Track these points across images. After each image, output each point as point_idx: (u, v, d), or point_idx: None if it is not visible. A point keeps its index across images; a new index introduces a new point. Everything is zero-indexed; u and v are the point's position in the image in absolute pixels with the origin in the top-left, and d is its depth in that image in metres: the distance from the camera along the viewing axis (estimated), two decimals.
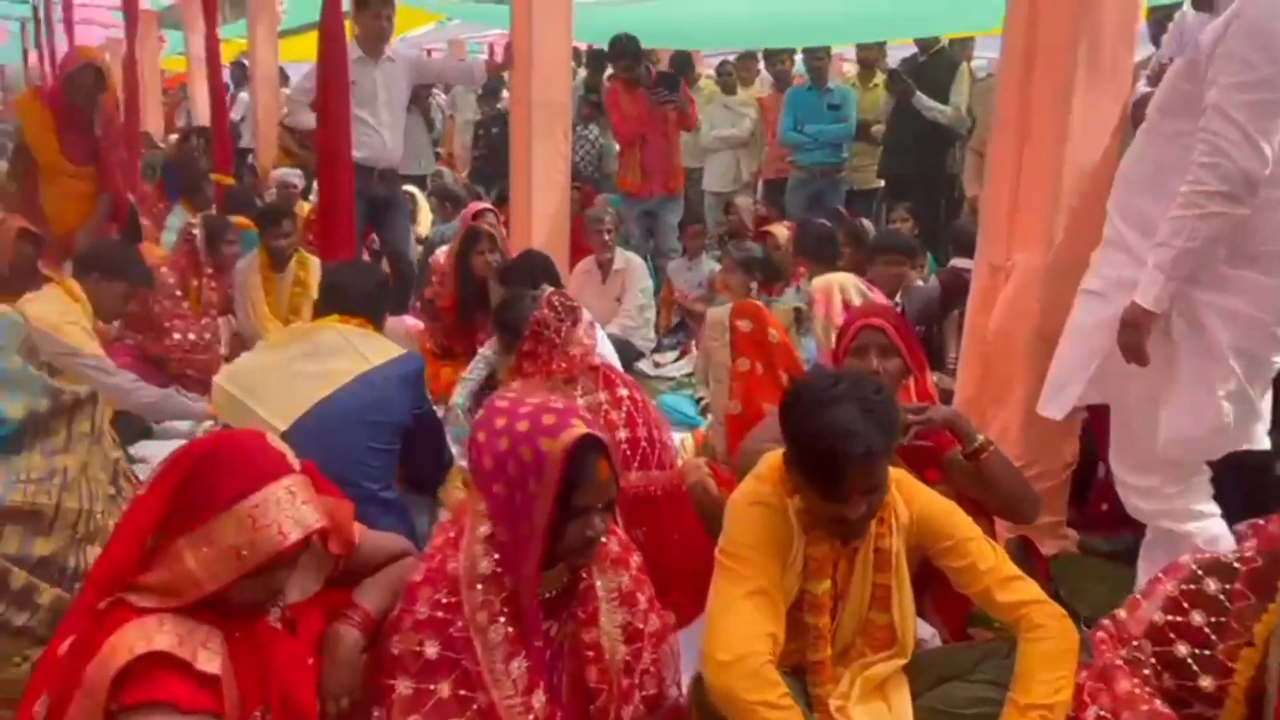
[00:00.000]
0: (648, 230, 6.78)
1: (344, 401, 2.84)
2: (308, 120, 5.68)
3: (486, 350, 4.34)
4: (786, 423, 2.05)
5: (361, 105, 5.33)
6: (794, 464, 2.05)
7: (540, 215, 5.71)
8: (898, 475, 2.13)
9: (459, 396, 4.31)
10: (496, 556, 1.82)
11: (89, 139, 5.38)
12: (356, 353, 2.93)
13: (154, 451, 3.90)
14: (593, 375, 2.86)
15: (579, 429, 1.81)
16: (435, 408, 3.25)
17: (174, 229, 6.80)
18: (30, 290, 4.67)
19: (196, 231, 5.09)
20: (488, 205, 5.53)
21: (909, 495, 2.15)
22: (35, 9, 14.27)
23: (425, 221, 7.59)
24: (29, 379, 2.27)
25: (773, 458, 2.16)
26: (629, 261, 5.82)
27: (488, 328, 4.74)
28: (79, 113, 5.31)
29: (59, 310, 3.52)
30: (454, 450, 3.34)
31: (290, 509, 1.69)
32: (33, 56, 15.54)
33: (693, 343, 5.71)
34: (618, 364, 3.52)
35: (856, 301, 3.79)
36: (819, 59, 7.27)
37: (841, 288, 3.84)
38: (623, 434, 2.73)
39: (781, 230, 6.02)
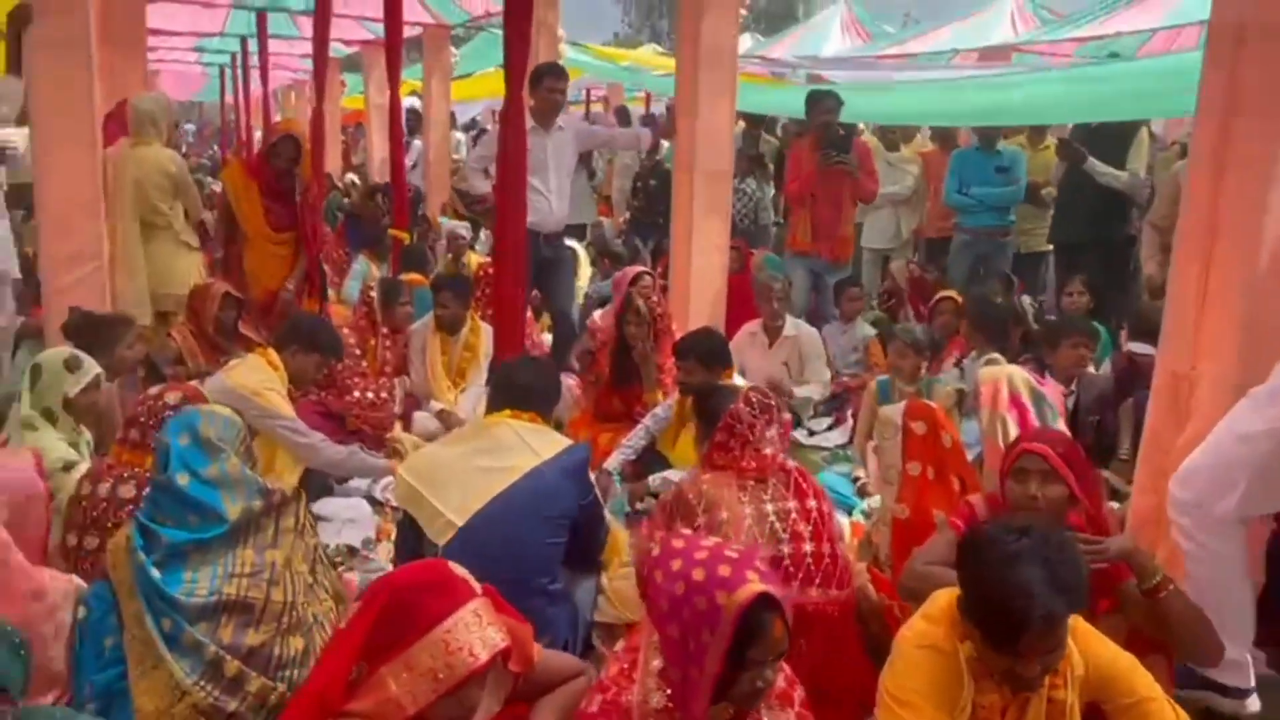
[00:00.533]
0: (810, 289, 6.77)
1: (517, 497, 2.93)
2: (481, 186, 5.99)
3: (649, 421, 4.45)
4: (964, 570, 2.04)
5: (533, 173, 5.53)
6: (968, 614, 2.03)
7: (700, 279, 5.83)
8: (1075, 624, 2.08)
9: (614, 462, 4.44)
10: (668, 691, 1.89)
11: (290, 208, 5.82)
12: (528, 449, 3.03)
13: (335, 510, 4.15)
14: (784, 478, 2.89)
15: (755, 585, 1.86)
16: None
17: (358, 277, 7.26)
18: (231, 347, 5.14)
19: (374, 294, 5.42)
20: (644, 269, 5.65)
21: (1086, 647, 2.10)
22: (234, 56, 15.51)
23: (585, 276, 7.79)
24: (246, 480, 2.48)
25: (944, 598, 2.15)
26: (799, 329, 5.83)
27: (644, 395, 4.90)
28: (281, 182, 5.73)
29: (260, 378, 3.85)
30: (610, 521, 3.44)
31: (478, 631, 1.82)
32: (229, 98, 16.97)
33: (849, 411, 5.69)
34: None
35: (1025, 396, 3.70)
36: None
37: (1010, 382, 3.75)
38: (808, 547, 2.76)
39: (958, 299, 5.94)
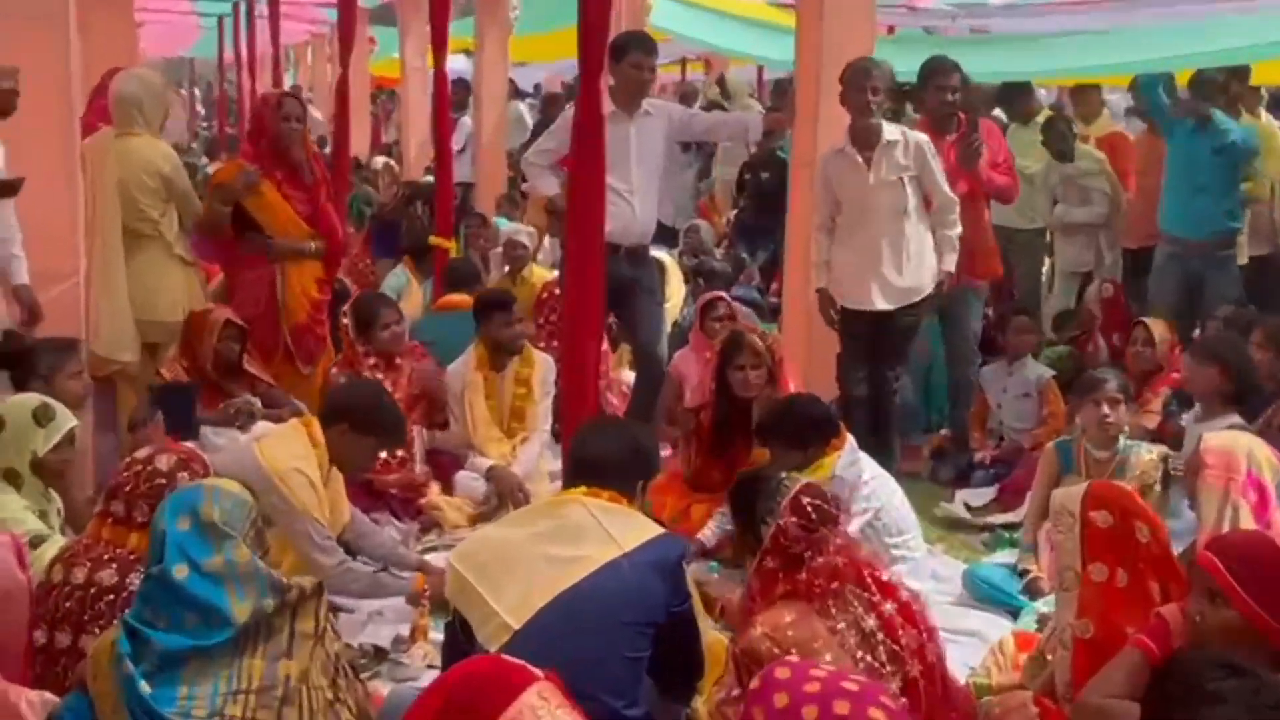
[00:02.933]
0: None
1: (589, 597, 2.99)
2: (548, 186, 6.07)
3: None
4: (1151, 705, 2.04)
5: (611, 169, 5.58)
6: None
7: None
8: None
9: (710, 534, 4.48)
10: None
11: (310, 196, 5.91)
12: (606, 536, 3.08)
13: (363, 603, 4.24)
14: (861, 589, 2.96)
15: None
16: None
17: (393, 290, 7.44)
18: (235, 389, 5.30)
19: (346, 321, 5.50)
20: (719, 295, 5.69)
21: None
22: (236, 6, 15.98)
23: (676, 297, 7.86)
24: (257, 573, 2.58)
25: None
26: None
27: (752, 458, 4.92)
28: (296, 157, 5.84)
29: (291, 455, 3.90)
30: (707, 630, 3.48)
31: (546, 714, 2.01)
32: (228, 55, 17.39)
33: (1015, 474, 5.64)
34: None
35: (1269, 480, 3.62)
36: (1214, 84, 6.94)
37: (1250, 456, 3.68)
38: (914, 668, 2.82)
39: (1160, 328, 5.86)
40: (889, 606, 2.99)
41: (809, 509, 3.08)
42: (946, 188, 5.61)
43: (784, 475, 3.27)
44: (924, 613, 3.00)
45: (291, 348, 5.78)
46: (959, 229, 5.65)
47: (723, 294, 5.75)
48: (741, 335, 4.99)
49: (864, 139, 5.52)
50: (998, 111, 8.40)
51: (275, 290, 5.77)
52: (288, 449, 3.91)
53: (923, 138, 5.63)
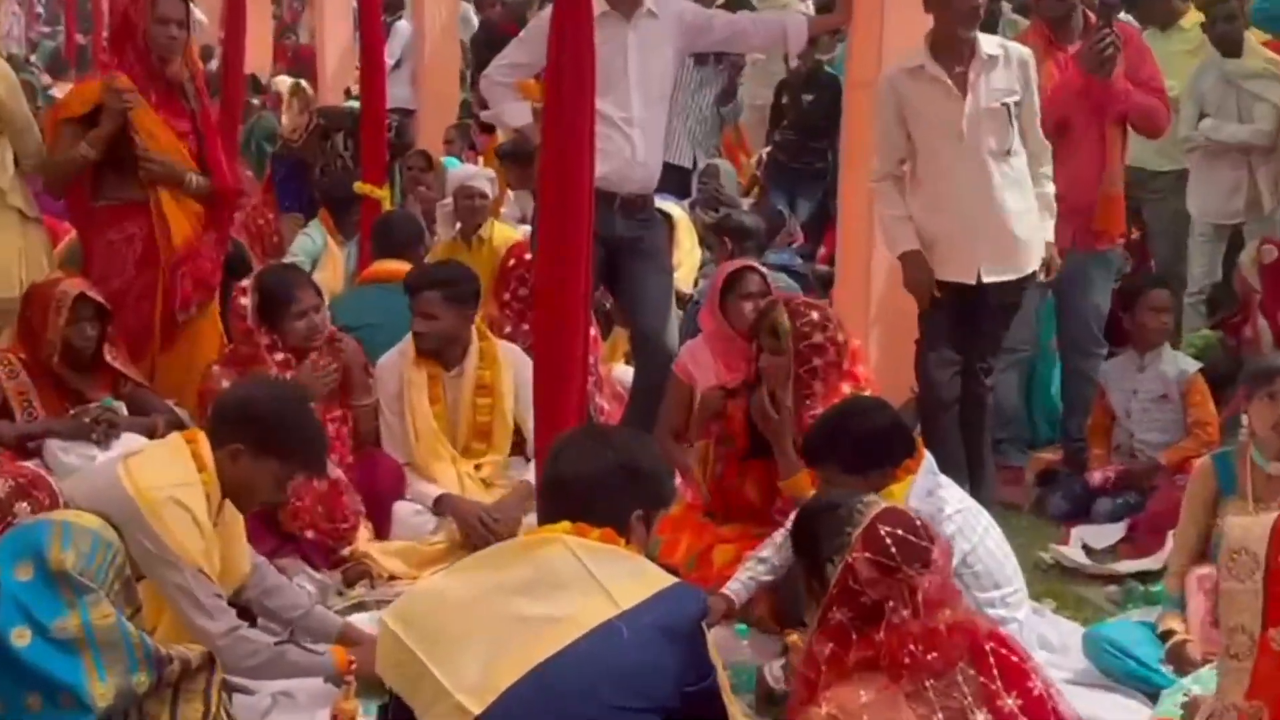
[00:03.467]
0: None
1: (575, 671, 2.96)
2: (516, 115, 6.08)
3: (783, 536, 4.49)
4: None
5: (604, 91, 5.59)
6: None
7: (884, 262, 5.96)
8: None
9: (740, 587, 4.48)
10: None
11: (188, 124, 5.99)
12: (597, 588, 3.06)
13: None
14: (977, 669, 2.98)
15: None
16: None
17: (305, 257, 7.42)
18: (91, 390, 5.29)
19: (245, 301, 5.48)
20: (749, 263, 5.67)
21: None
22: None
23: (688, 262, 7.86)
24: (124, 642, 2.57)
25: None
26: None
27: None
28: (171, 73, 5.90)
29: (167, 480, 3.82)
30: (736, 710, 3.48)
31: None
32: None
33: (1151, 504, 5.65)
34: None
35: None
36: None
37: None
38: None
39: None
40: (1012, 702, 2.96)
41: (887, 541, 3.07)
42: (1040, 130, 5.63)
43: (859, 500, 3.27)
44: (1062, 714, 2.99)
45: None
46: (1053, 186, 5.67)
47: (753, 262, 5.71)
48: (776, 318, 4.99)
49: (954, 51, 5.51)
50: (1126, 16, 8.39)
51: (149, 254, 5.80)
52: (163, 472, 3.85)
53: (1026, 52, 5.63)
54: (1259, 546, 3.14)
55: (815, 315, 5.00)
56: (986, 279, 5.54)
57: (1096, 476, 6.01)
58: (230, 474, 3.93)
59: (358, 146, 8.06)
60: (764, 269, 5.65)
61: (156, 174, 5.87)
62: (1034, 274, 5.67)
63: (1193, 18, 8.13)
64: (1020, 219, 5.55)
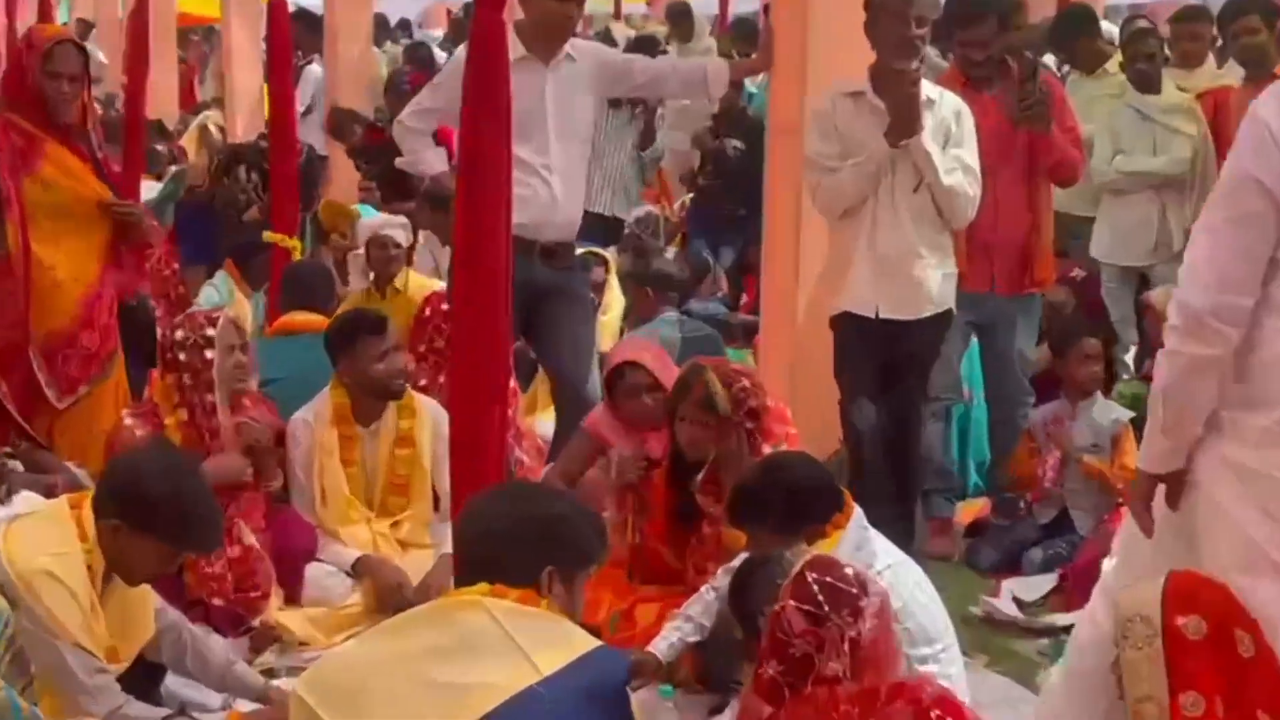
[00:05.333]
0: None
1: None
2: (432, 162, 6.11)
3: (724, 580, 4.46)
4: None
5: (523, 137, 5.63)
6: None
7: (810, 310, 5.99)
8: None
9: (664, 647, 4.44)
10: None
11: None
12: (517, 653, 3.05)
13: None
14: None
15: None
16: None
17: (211, 308, 7.31)
18: None
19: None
20: (632, 358, 5.55)
21: None
22: None
23: (614, 315, 7.85)
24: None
25: None
26: None
27: (713, 538, 4.94)
28: (67, 120, 5.86)
29: (42, 549, 3.78)
30: None
31: None
32: None
33: (1082, 554, 5.66)
34: None
35: None
36: None
37: None
38: None
39: None
40: None
41: (815, 589, 3.06)
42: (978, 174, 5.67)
43: (790, 551, 3.26)
44: None
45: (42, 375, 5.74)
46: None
47: (638, 356, 5.61)
48: (704, 373, 4.98)
49: (894, 85, 5.54)
50: (1049, 59, 8.48)
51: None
52: (39, 541, 3.81)
53: (961, 106, 5.70)
54: (1152, 611, 3.18)
55: (745, 380, 5.01)
56: (885, 315, 5.57)
57: (1028, 528, 6.07)
58: (110, 547, 3.86)
59: (264, 178, 7.98)
60: (648, 361, 5.49)
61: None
62: (946, 317, 5.71)
63: (1119, 61, 8.22)
64: (926, 260, 5.59)
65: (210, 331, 5.25)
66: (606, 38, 12.62)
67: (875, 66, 5.57)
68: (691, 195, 10.28)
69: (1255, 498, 3.29)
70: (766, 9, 6.12)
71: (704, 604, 4.51)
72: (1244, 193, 3.26)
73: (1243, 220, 3.27)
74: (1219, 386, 3.33)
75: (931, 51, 8.68)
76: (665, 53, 10.73)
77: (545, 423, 6.64)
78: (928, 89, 5.57)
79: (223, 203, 8.44)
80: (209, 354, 5.22)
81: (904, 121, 5.38)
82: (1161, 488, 3.46)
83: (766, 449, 4.92)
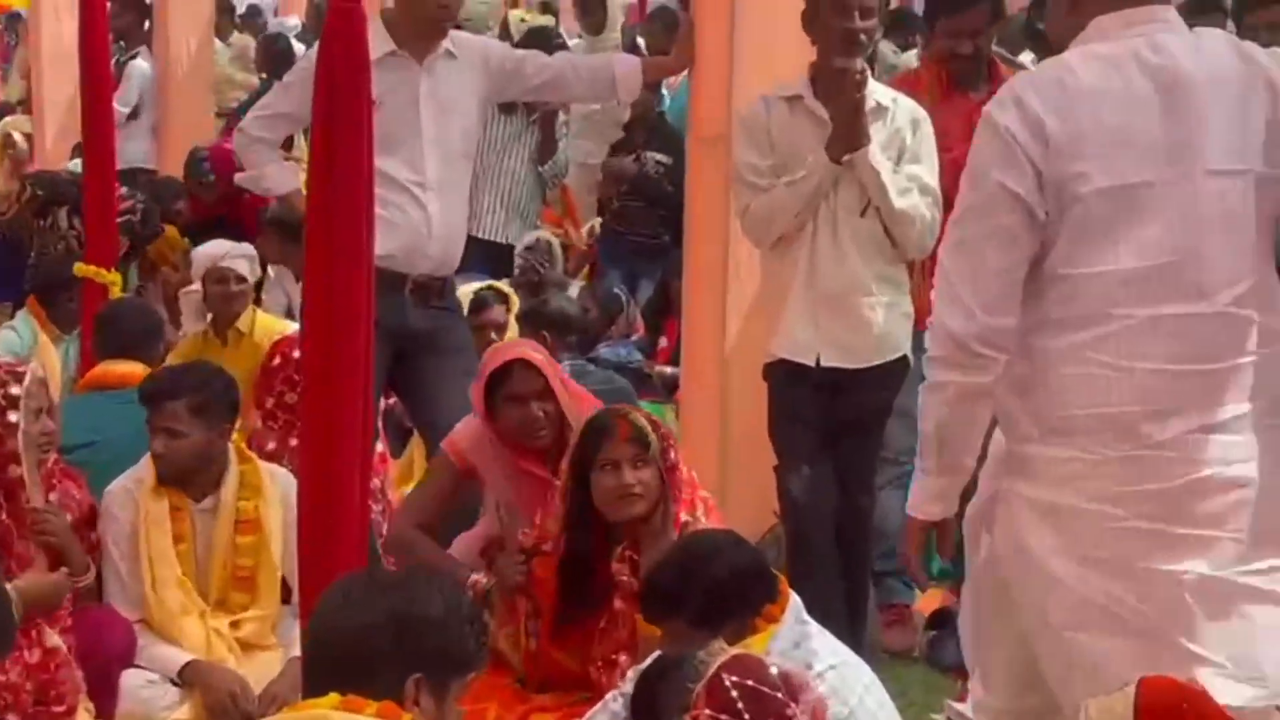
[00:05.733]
0: None
1: None
2: (280, 179, 6.12)
3: (629, 689, 4.46)
4: None
5: (391, 149, 5.64)
6: None
7: (739, 360, 6.01)
8: None
9: None
10: None
11: None
12: None
13: None
14: None
15: None
16: None
17: (9, 353, 7.26)
18: None
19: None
20: (521, 353, 5.52)
21: None
22: None
23: None
24: None
25: None
26: None
27: (627, 619, 4.92)
28: None
29: None
30: None
31: None
32: None
33: None
34: None
35: None
36: None
37: None
38: None
39: None
40: None
41: (734, 694, 3.08)
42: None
43: (704, 649, 3.26)
44: None
45: None
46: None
47: (529, 356, 5.51)
48: (606, 420, 4.99)
49: (837, 87, 5.55)
50: (1027, 56, 8.58)
51: None
52: None
53: (920, 114, 5.74)
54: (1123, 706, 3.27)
55: (663, 428, 5.03)
56: (827, 363, 5.60)
57: None
58: None
59: (82, 219, 7.93)
60: (540, 363, 5.40)
61: None
62: (901, 365, 5.74)
63: None
64: (876, 297, 5.64)
65: (15, 390, 5.18)
66: (505, 33, 12.59)
67: (815, 65, 5.62)
68: (602, 218, 10.30)
69: (1070, 545, 3.56)
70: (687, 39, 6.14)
71: (609, 714, 4.50)
72: (997, 206, 3.55)
73: (1000, 235, 3.56)
74: (1013, 423, 3.66)
75: (886, 48, 8.76)
76: (566, 47, 10.71)
77: None
78: (879, 93, 5.62)
79: (34, 244, 8.43)
80: (12, 417, 5.16)
81: (848, 132, 5.41)
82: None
83: (681, 521, 4.92)
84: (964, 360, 3.56)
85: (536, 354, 5.44)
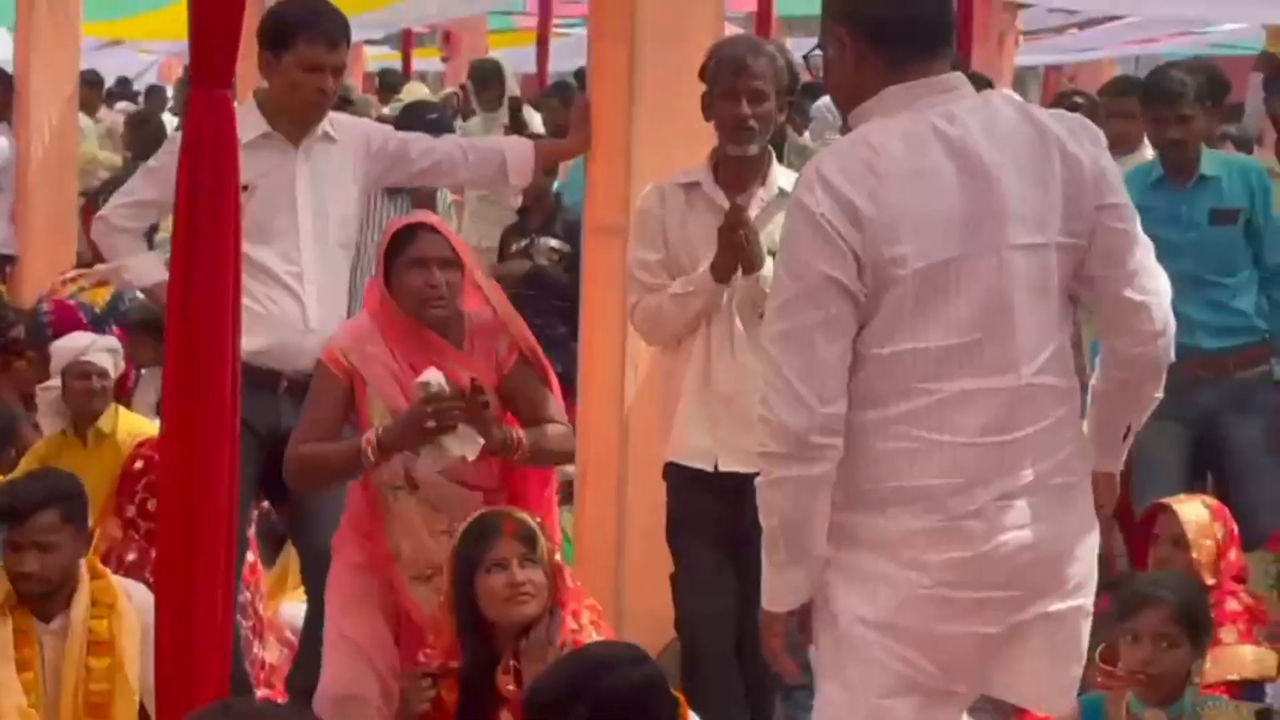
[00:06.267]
0: None
1: None
2: (143, 272, 6.09)
3: None
4: None
5: (264, 237, 5.62)
6: None
7: (640, 460, 6.05)
8: None
9: None
10: None
11: None
12: None
13: None
14: None
15: None
16: None
17: None
18: None
19: None
20: (427, 218, 5.56)
21: None
22: None
23: None
24: None
25: None
26: None
27: None
28: None
29: None
30: None
31: None
32: None
33: None
34: None
35: None
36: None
37: None
38: None
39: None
40: None
41: None
42: None
43: None
44: None
45: None
46: None
47: (433, 221, 5.45)
48: (499, 515, 5.02)
49: (736, 174, 5.62)
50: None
51: None
52: None
53: None
54: None
55: (547, 530, 5.07)
56: (725, 468, 5.58)
57: None
58: None
59: None
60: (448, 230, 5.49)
61: None
62: None
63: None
64: None
65: None
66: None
67: (715, 150, 5.64)
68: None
69: (876, 611, 3.78)
70: (580, 75, 6.13)
71: None
72: (823, 295, 3.69)
73: (829, 325, 3.71)
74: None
75: (826, 108, 8.77)
76: (450, 130, 10.69)
77: (295, 607, 6.51)
78: (782, 179, 5.61)
79: None
80: None
81: (732, 261, 5.45)
82: None
83: (568, 630, 4.90)
84: (805, 454, 3.70)
85: (443, 224, 5.43)
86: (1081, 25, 18.15)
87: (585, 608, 5.03)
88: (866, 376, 3.76)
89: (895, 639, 3.77)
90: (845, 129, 4.47)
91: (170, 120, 12.98)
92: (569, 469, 6.70)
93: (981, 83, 8.34)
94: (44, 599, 5.33)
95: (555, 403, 5.38)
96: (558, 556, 5.03)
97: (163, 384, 4.61)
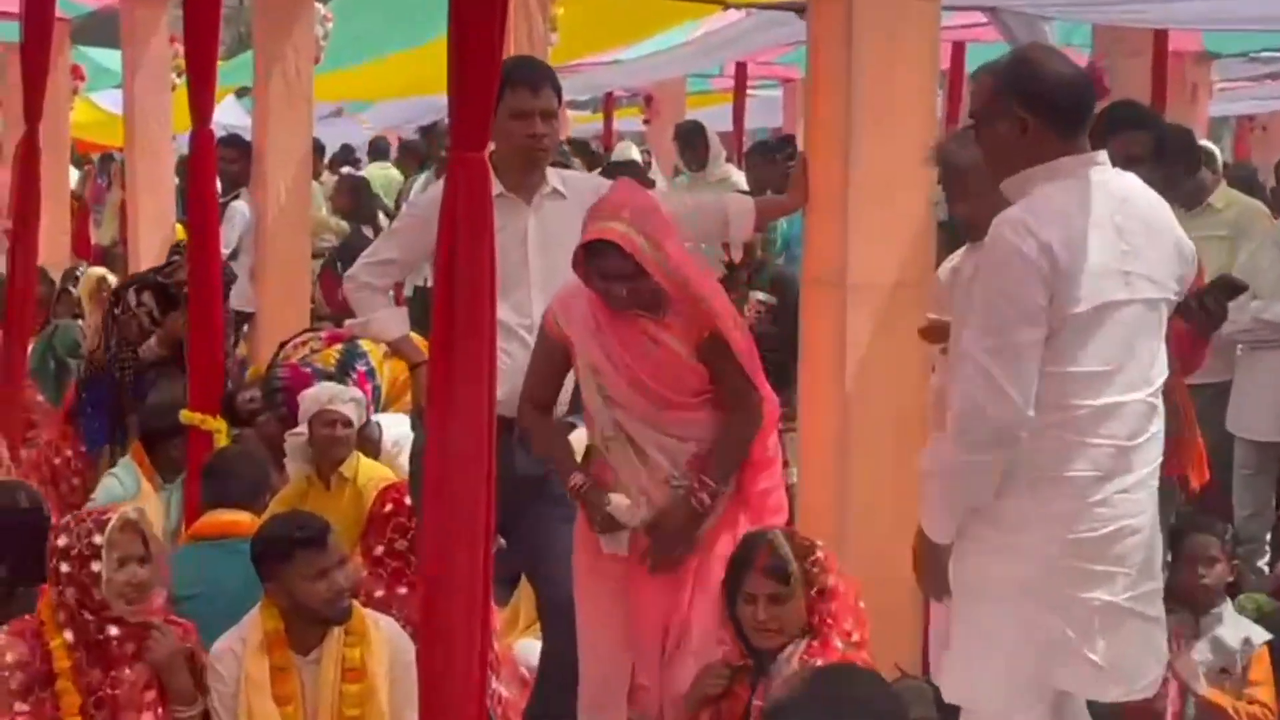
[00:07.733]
0: None
1: None
2: (388, 326, 6.22)
3: None
4: None
5: (500, 292, 5.65)
6: None
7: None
8: None
9: None
10: None
11: None
12: None
13: None
14: None
15: None
16: None
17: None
18: None
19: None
20: (605, 232, 5.47)
21: None
22: None
23: None
24: None
25: None
26: None
27: None
28: None
29: None
30: None
31: None
32: None
33: None
34: None
35: None
36: None
37: None
38: None
39: None
40: None
41: None
42: None
43: None
44: None
45: None
46: None
47: (606, 232, 5.53)
48: (759, 542, 5.20)
49: None
50: None
51: None
52: None
53: None
54: None
55: (819, 552, 5.23)
56: None
57: None
58: None
59: (160, 299, 8.22)
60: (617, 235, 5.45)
61: None
62: None
63: (1225, 196, 8.33)
64: None
65: (98, 539, 5.25)
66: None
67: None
68: None
69: (1018, 577, 4.51)
70: (789, 141, 6.17)
71: None
72: (1034, 319, 4.37)
73: (1035, 345, 4.38)
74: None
75: None
76: (652, 182, 10.73)
77: (529, 644, 6.60)
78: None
79: (118, 346, 8.51)
80: (95, 567, 5.21)
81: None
82: None
83: (815, 654, 5.07)
84: (1006, 441, 4.40)
85: (615, 222, 5.45)
86: (1275, 75, 17.90)
87: (844, 632, 5.19)
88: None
89: (1035, 601, 4.45)
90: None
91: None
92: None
93: (1182, 134, 8.39)
94: (312, 631, 5.47)
95: (742, 376, 5.51)
96: (829, 579, 5.21)
97: (427, 431, 4.72)
